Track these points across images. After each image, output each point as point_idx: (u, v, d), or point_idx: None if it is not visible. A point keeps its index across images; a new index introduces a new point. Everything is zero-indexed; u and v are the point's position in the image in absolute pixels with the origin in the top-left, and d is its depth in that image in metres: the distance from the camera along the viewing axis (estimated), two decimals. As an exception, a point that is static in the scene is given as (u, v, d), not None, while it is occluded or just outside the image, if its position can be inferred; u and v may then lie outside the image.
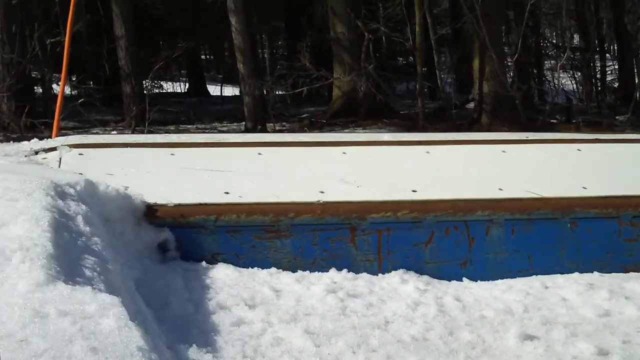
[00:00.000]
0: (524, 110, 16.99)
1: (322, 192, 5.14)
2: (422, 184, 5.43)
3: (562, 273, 5.14)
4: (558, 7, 21.99)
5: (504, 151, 6.26)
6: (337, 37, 18.85)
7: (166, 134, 8.92)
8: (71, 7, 7.72)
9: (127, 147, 5.79)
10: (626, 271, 5.27)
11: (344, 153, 5.99)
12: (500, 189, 5.45)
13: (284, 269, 4.78)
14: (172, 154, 5.69)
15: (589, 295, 4.74)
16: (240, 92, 18.32)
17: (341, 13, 18.65)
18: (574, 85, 22.93)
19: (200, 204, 4.85)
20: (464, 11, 19.64)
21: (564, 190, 5.54)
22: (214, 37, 27.20)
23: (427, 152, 6.12)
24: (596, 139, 6.81)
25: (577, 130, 15.55)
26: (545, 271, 5.15)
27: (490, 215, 5.22)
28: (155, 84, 24.97)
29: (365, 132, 15.48)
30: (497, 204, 5.29)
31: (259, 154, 5.84)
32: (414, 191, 5.31)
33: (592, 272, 5.18)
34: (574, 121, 17.82)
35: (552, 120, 17.90)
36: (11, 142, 7.25)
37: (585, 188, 5.59)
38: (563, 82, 22.99)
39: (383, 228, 5.05)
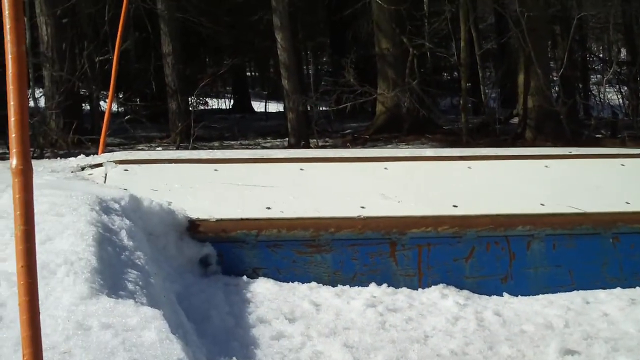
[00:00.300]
0: (569, 125, 16.87)
1: (362, 207, 5.17)
2: (463, 199, 5.44)
3: (603, 288, 5.12)
4: (605, 21, 21.80)
5: (546, 166, 6.24)
6: (381, 52, 18.89)
7: (210, 150, 9.01)
8: (120, 26, 7.85)
9: (171, 163, 5.88)
10: (669, 286, 5.23)
11: (386, 168, 6.01)
12: (542, 204, 5.43)
13: (324, 284, 4.82)
14: (216, 170, 5.76)
15: (631, 310, 4.71)
16: (284, 108, 18.43)
17: (386, 29, 18.68)
18: (620, 100, 22.72)
19: (242, 219, 4.91)
20: (509, 26, 19.59)
21: (606, 205, 5.51)
22: (260, 54, 27.39)
23: (469, 168, 6.12)
24: (640, 154, 6.76)
25: (623, 145, 15.41)
26: (586, 286, 5.13)
27: (532, 230, 5.20)
28: (201, 100, 25.20)
29: (408, 148, 15.49)
30: (539, 219, 5.27)
31: (301, 169, 5.88)
32: (454, 206, 5.32)
33: (634, 288, 5.14)
34: (619, 136, 17.65)
35: (597, 135, 17.75)
36: (59, 158, 7.38)
37: (628, 203, 5.55)
38: (609, 96, 22.79)
39: (423, 243, 5.06)
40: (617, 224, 5.35)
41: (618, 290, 5.11)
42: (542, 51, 17.46)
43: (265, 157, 6.24)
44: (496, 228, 5.16)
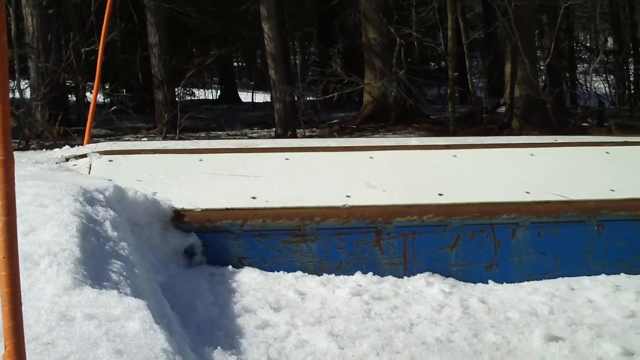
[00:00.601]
0: (556, 114, 16.91)
1: (348, 197, 5.18)
2: (449, 188, 5.44)
3: (588, 275, 5.14)
4: (592, 10, 21.86)
5: (532, 154, 6.25)
6: (369, 42, 18.88)
7: (195, 141, 9.00)
8: (106, 17, 7.82)
9: (156, 153, 5.86)
10: (654, 273, 5.26)
11: (371, 158, 6.01)
12: (527, 192, 5.44)
13: (309, 273, 4.82)
14: (201, 160, 5.75)
15: (615, 296, 4.73)
16: (271, 98, 18.42)
17: (373, 19, 18.67)
18: (607, 89, 22.80)
19: (227, 209, 4.91)
20: (496, 15, 19.60)
21: (591, 193, 5.53)
22: (247, 44, 27.36)
23: (454, 156, 6.13)
24: (625, 142, 6.77)
25: (609, 134, 15.46)
26: (571, 273, 5.15)
27: (517, 218, 5.22)
28: (187, 91, 25.15)
29: (395, 137, 15.50)
30: (524, 207, 5.28)
31: (286, 159, 5.88)
32: (440, 195, 5.33)
33: (618, 274, 5.17)
34: (605, 124, 17.71)
35: (583, 124, 17.81)
36: (44, 149, 7.36)
37: (613, 190, 5.58)
38: (596, 85, 22.86)
39: (409, 232, 5.07)
40: (602, 211, 5.37)
41: (602, 277, 5.14)
42: (529, 40, 17.48)
43: (250, 147, 6.23)
44: (481, 216, 5.18)
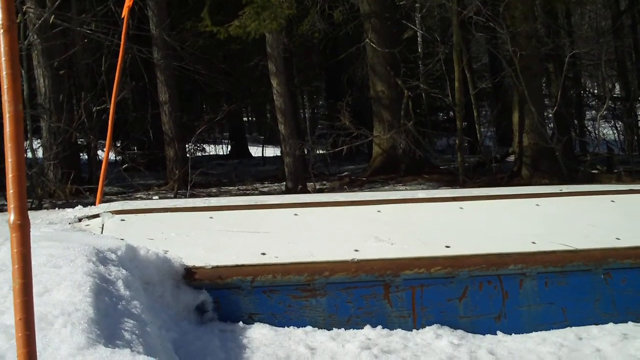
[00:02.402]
0: (565, 162, 16.98)
1: (356, 251, 5.25)
2: (456, 240, 5.51)
3: (596, 324, 5.18)
4: (598, 57, 22.01)
5: (537, 205, 6.33)
6: (377, 95, 19.06)
7: (205, 198, 9.10)
8: (117, 75, 7.99)
9: (167, 211, 5.96)
10: (661, 321, 5.29)
11: (379, 211, 6.10)
12: (533, 242, 5.50)
13: (319, 327, 4.88)
14: (211, 217, 5.84)
15: (623, 345, 4.77)
16: (281, 152, 18.56)
17: (381, 72, 18.87)
18: (616, 135, 22.88)
19: (237, 265, 4.98)
20: (503, 65, 19.80)
21: (597, 242, 5.58)
22: (256, 100, 27.63)
23: (461, 208, 6.21)
24: (630, 190, 6.85)
25: (619, 180, 15.52)
26: (579, 323, 5.19)
27: (523, 269, 5.28)
28: (198, 147, 25.37)
29: (406, 188, 15.59)
30: (530, 257, 5.34)
31: (295, 214, 5.97)
32: (447, 247, 5.39)
33: (626, 323, 5.21)
34: (615, 171, 17.75)
35: (593, 171, 17.85)
36: (57, 208, 7.46)
37: (618, 239, 5.63)
38: (604, 132, 22.94)
39: (417, 284, 5.13)
40: (608, 260, 5.42)
41: (610, 325, 5.17)
42: (535, 89, 17.61)
43: (259, 203, 6.32)
44: (488, 267, 5.23)
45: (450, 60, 18.03)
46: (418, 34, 22.71)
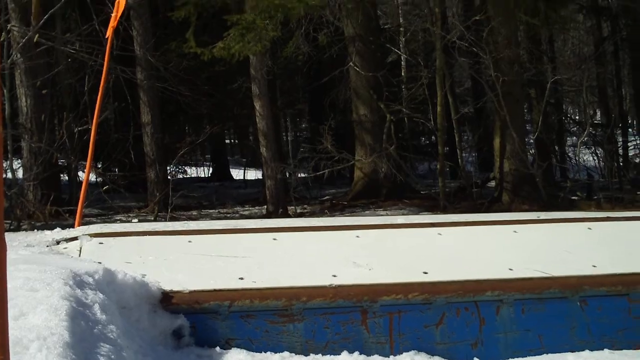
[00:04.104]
0: (545, 188, 17.05)
1: (334, 276, 5.26)
2: (433, 266, 5.54)
3: (572, 351, 5.21)
4: (580, 84, 22.19)
5: (515, 231, 6.37)
6: (359, 119, 19.10)
7: (185, 221, 9.10)
8: (99, 96, 7.99)
9: (145, 235, 5.96)
10: (637, 348, 5.34)
11: (357, 237, 6.12)
12: (510, 269, 5.54)
13: (296, 353, 4.89)
14: (190, 241, 5.84)
15: (598, 373, 4.80)
16: (263, 175, 18.56)
17: (364, 95, 18.92)
18: (596, 162, 23.02)
19: (215, 290, 4.98)
20: (485, 90, 19.90)
21: (573, 269, 5.63)
22: (239, 122, 27.65)
23: (439, 234, 6.25)
24: (607, 217, 6.91)
25: (598, 207, 15.58)
26: (555, 350, 5.23)
27: (500, 295, 5.31)
28: (180, 169, 25.34)
29: (386, 213, 15.62)
30: (507, 284, 5.38)
31: (274, 239, 5.98)
32: (425, 273, 5.42)
33: (602, 350, 5.25)
34: (595, 198, 17.85)
35: (573, 197, 17.93)
36: (35, 230, 7.44)
37: (595, 266, 5.68)
38: (585, 158, 23.08)
39: (394, 310, 5.15)
40: (584, 287, 5.46)
41: (586, 352, 5.22)
42: (517, 115, 17.68)
43: (238, 227, 6.33)
44: (465, 294, 5.26)
45: (433, 84, 18.12)
46: (402, 57, 22.81)
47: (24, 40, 15.25)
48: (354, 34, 18.87)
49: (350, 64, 18.98)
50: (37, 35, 15.13)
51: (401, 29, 22.81)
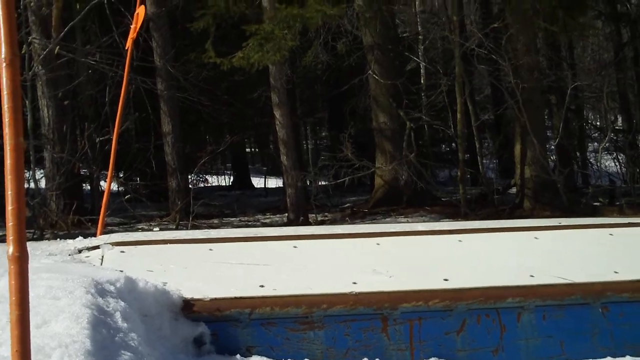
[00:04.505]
0: (567, 194, 16.99)
1: (354, 283, 5.25)
2: (454, 273, 5.52)
3: (594, 358, 5.18)
4: (600, 90, 22.12)
5: (536, 237, 6.34)
6: (379, 126, 19.11)
7: (205, 230, 9.13)
8: (120, 106, 8.03)
9: (166, 243, 5.98)
10: (659, 355, 5.30)
11: (378, 244, 6.11)
12: (531, 276, 5.51)
13: (317, 360, 4.89)
14: (211, 250, 5.86)
15: (621, 379, 4.77)
16: (284, 183, 18.60)
17: (384, 103, 18.93)
18: (618, 167, 22.90)
19: (236, 298, 4.99)
20: (505, 97, 19.87)
21: (595, 275, 5.59)
22: (259, 131, 27.72)
23: (460, 241, 6.22)
24: (628, 223, 6.87)
25: (621, 213, 15.51)
26: (577, 356, 5.19)
27: (521, 302, 5.29)
28: (201, 178, 25.42)
29: (407, 220, 15.60)
30: (528, 291, 5.35)
31: (294, 247, 5.98)
32: (445, 280, 5.40)
33: (624, 357, 5.21)
34: (617, 203, 17.75)
35: (595, 203, 17.84)
36: (58, 239, 7.49)
37: (616, 272, 5.64)
38: (607, 164, 22.97)
39: (415, 317, 5.14)
40: (606, 293, 5.43)
41: (608, 359, 5.17)
42: (537, 121, 17.66)
43: (258, 235, 6.34)
44: (486, 300, 5.24)
45: (452, 92, 18.11)
46: (421, 65, 22.83)
47: (44, 53, 15.39)
48: (373, 43, 18.88)
49: (370, 72, 19.00)
50: (57, 48, 15.27)
51: (420, 37, 22.85)
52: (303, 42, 18.22)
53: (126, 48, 8.34)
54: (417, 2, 23.85)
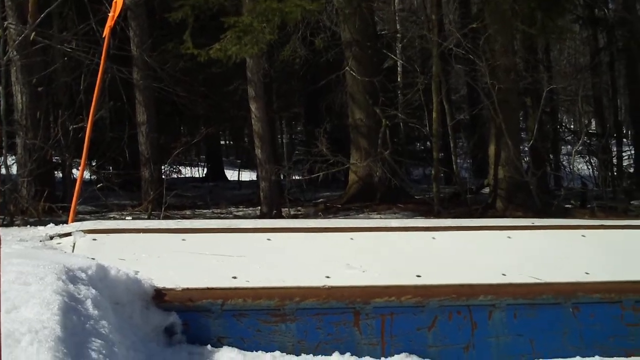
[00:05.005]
0: (539, 196, 17.06)
1: (327, 277, 5.25)
2: (427, 269, 5.53)
3: (564, 357, 5.21)
4: (575, 93, 22.24)
5: (509, 237, 6.36)
6: (355, 123, 19.11)
7: (179, 220, 9.10)
8: (95, 94, 7.97)
9: (139, 232, 5.94)
10: (628, 355, 5.34)
11: (352, 239, 6.11)
12: (503, 274, 5.53)
13: (288, 353, 4.88)
14: (184, 240, 5.83)
15: (589, 379, 4.80)
16: (257, 177, 18.56)
17: (360, 100, 18.92)
18: (590, 171, 23.05)
19: (208, 288, 4.97)
20: (481, 97, 19.93)
21: (566, 276, 5.62)
22: (234, 123, 27.64)
23: (433, 238, 6.23)
24: (601, 225, 6.92)
25: (592, 216, 15.60)
26: (547, 355, 5.23)
27: (493, 300, 5.31)
28: (174, 168, 25.31)
29: (380, 217, 15.62)
30: (500, 289, 5.37)
31: (268, 239, 5.97)
32: (418, 276, 5.41)
33: (593, 357, 5.24)
34: (589, 206, 17.86)
35: (567, 206, 17.94)
36: (29, 226, 7.42)
37: (587, 273, 5.68)
38: (579, 167, 23.11)
39: (387, 312, 5.15)
40: (577, 293, 5.46)
41: (578, 359, 5.21)
42: (512, 122, 17.72)
43: (232, 227, 6.33)
44: (458, 297, 5.26)
45: (429, 90, 18.13)
46: (398, 63, 22.83)
47: (20, 38, 15.24)
48: (351, 39, 18.88)
49: (347, 68, 18.99)
50: (33, 34, 15.13)
51: (398, 35, 22.82)
52: (281, 36, 18.16)
53: (103, 36, 8.28)
54: (396, 0, 23.82)
